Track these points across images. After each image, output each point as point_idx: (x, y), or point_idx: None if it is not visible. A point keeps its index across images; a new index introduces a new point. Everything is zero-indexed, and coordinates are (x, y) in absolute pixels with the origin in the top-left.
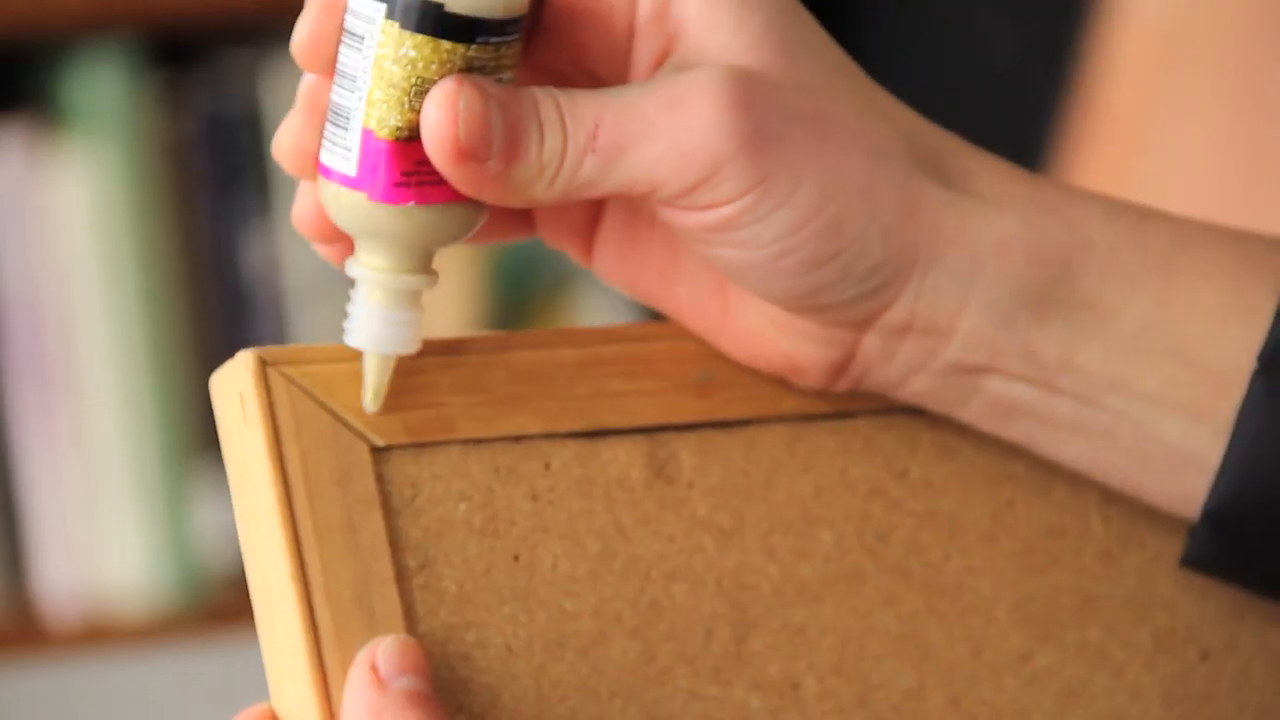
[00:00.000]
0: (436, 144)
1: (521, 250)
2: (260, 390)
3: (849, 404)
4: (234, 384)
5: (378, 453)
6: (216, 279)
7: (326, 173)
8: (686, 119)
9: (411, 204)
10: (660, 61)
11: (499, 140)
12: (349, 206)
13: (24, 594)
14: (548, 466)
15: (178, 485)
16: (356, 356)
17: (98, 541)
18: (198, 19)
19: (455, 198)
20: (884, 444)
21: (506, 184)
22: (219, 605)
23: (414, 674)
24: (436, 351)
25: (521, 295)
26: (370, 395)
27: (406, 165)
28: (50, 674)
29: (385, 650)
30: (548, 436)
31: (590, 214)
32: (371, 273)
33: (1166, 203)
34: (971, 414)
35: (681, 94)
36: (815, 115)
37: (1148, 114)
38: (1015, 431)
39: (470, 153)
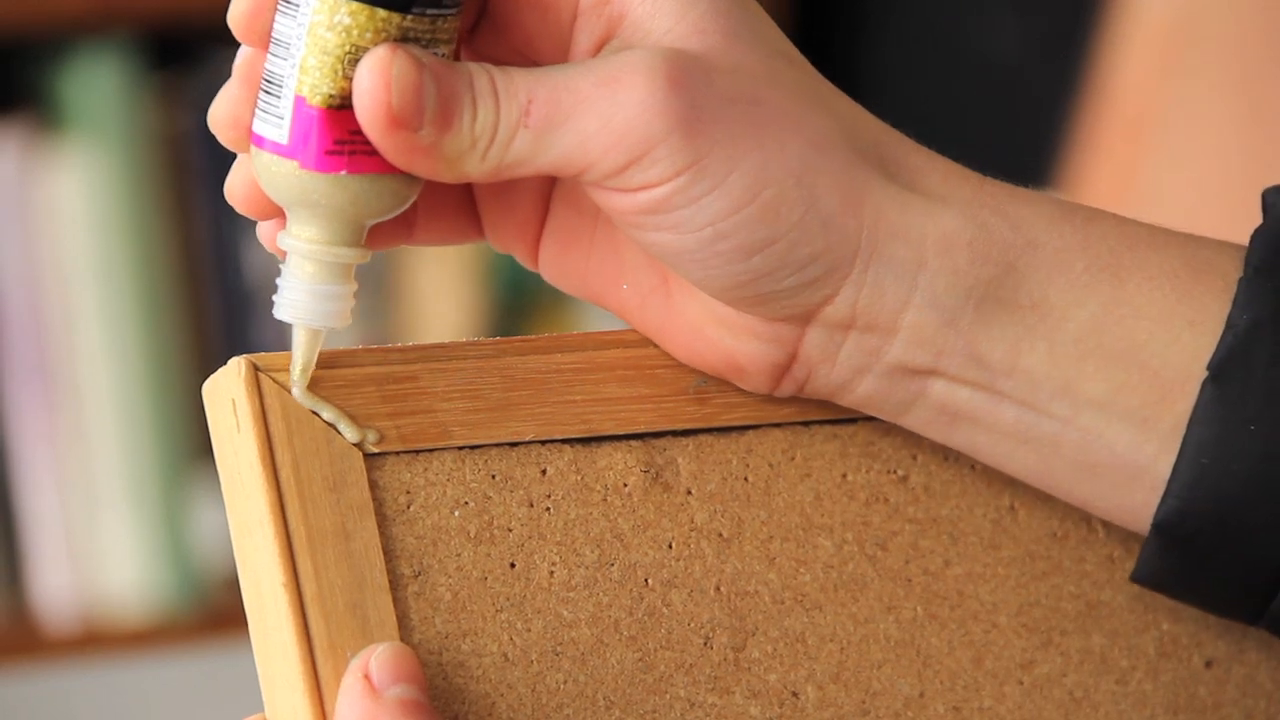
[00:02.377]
0: (368, 110)
1: None
2: (252, 396)
3: (848, 410)
4: (226, 390)
5: (371, 459)
6: (216, 281)
7: (259, 141)
8: (620, 97)
9: (343, 172)
10: (600, 46)
11: (431, 109)
12: (280, 175)
13: (22, 599)
14: (544, 473)
15: (176, 490)
16: (350, 362)
17: (95, 546)
18: (195, 18)
19: (387, 169)
20: (883, 449)
21: (438, 155)
22: (216, 610)
23: (408, 682)
24: (430, 357)
25: (520, 299)
26: (298, 371)
27: (339, 134)
28: (48, 679)
29: (379, 658)
30: (544, 443)
31: (535, 215)
32: (302, 244)
33: (1173, 201)
34: (917, 420)
35: (617, 72)
36: (754, 100)
37: (1155, 112)
38: (960, 439)
39: (402, 120)
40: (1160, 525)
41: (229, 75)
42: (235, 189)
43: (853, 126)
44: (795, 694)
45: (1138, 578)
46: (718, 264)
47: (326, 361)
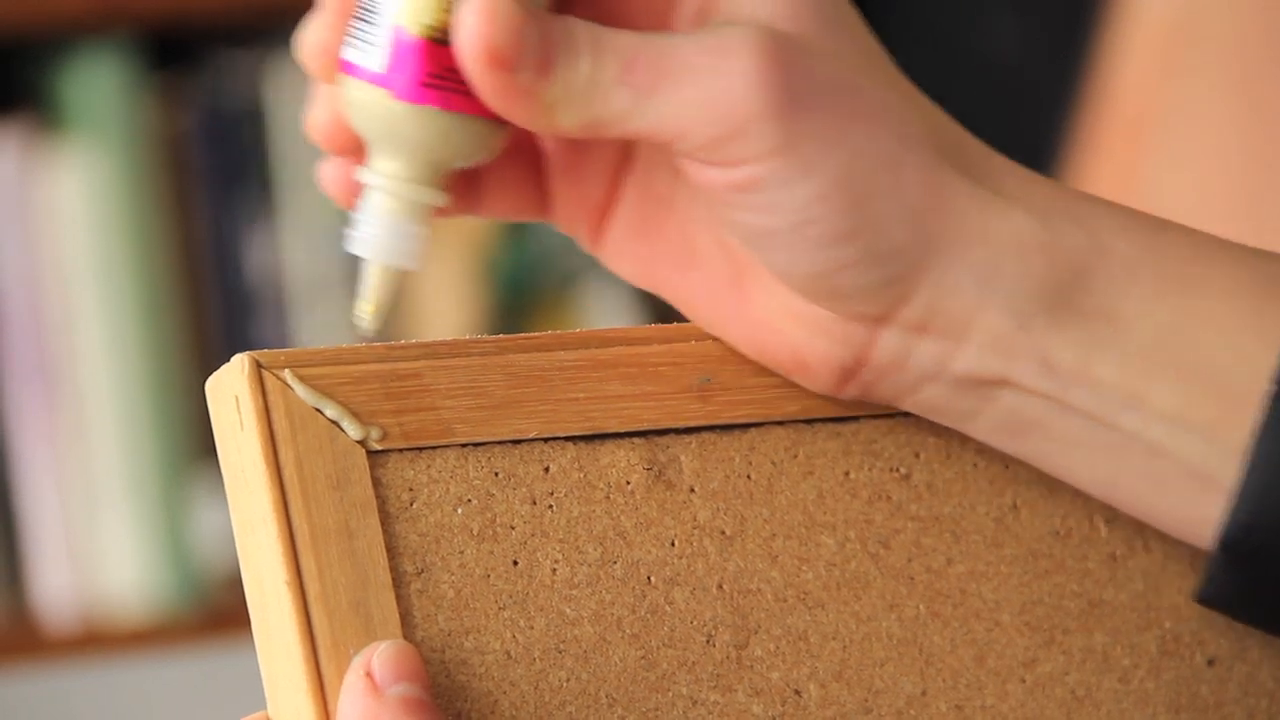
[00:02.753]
0: (469, 46)
1: (523, 252)
2: (255, 394)
3: (851, 407)
4: (229, 388)
5: (374, 456)
6: (217, 280)
7: (349, 68)
8: (724, 67)
9: (435, 107)
10: (700, 18)
11: (533, 52)
12: (369, 104)
13: (22, 598)
14: (547, 470)
15: (176, 489)
16: (354, 359)
17: (96, 546)
18: (196, 18)
19: (479, 111)
20: (886, 448)
21: (534, 100)
22: (217, 610)
23: (410, 680)
24: (433, 354)
25: (522, 297)
26: (371, 308)
27: (434, 67)
28: (49, 679)
29: (381, 656)
30: (546, 440)
31: (606, 195)
32: (384, 179)
33: (1174, 201)
34: (981, 429)
35: (722, 43)
36: (848, 88)
37: (1155, 112)
38: (1026, 449)
39: (502, 59)
40: (1226, 539)
41: (230, 74)
42: (317, 121)
43: (936, 125)
44: (798, 692)
45: (1203, 598)
46: (803, 249)
47: (329, 358)
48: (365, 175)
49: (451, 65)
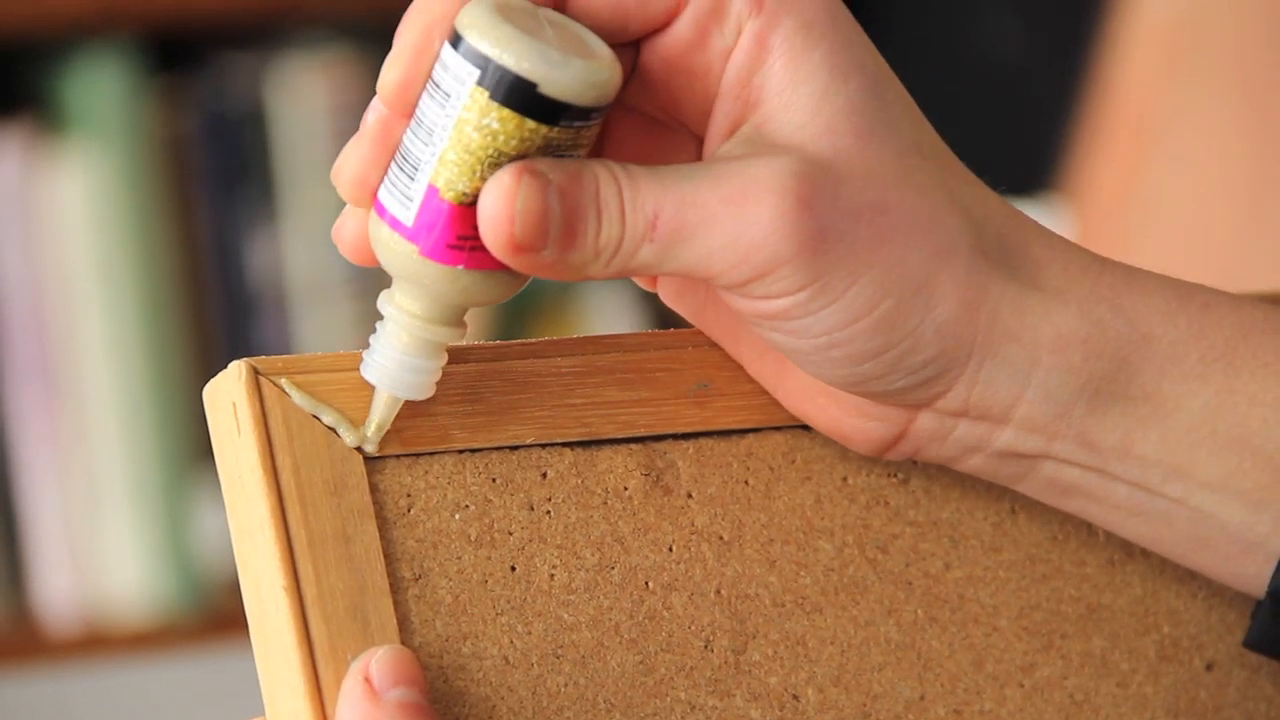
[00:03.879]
0: (492, 237)
1: None
2: (253, 400)
3: None
4: (227, 394)
5: (372, 463)
6: (219, 283)
7: (382, 212)
8: (749, 215)
9: (460, 267)
10: (735, 127)
11: (555, 232)
12: (397, 253)
13: (24, 601)
14: (544, 476)
15: (177, 492)
16: (351, 365)
17: (97, 548)
18: (198, 20)
19: (504, 267)
20: None
21: (561, 266)
22: (218, 612)
23: (408, 685)
24: None
25: (522, 302)
26: (373, 429)
27: (464, 229)
28: (50, 681)
29: (379, 661)
30: (544, 446)
31: None
32: (404, 316)
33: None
34: (1028, 489)
35: (746, 189)
36: (880, 209)
37: (1157, 115)
38: (1072, 506)
39: (525, 246)
40: (1276, 593)
41: (232, 77)
42: (346, 238)
43: (979, 221)
44: (796, 697)
45: (1250, 643)
46: (830, 366)
47: (327, 365)
48: (386, 307)
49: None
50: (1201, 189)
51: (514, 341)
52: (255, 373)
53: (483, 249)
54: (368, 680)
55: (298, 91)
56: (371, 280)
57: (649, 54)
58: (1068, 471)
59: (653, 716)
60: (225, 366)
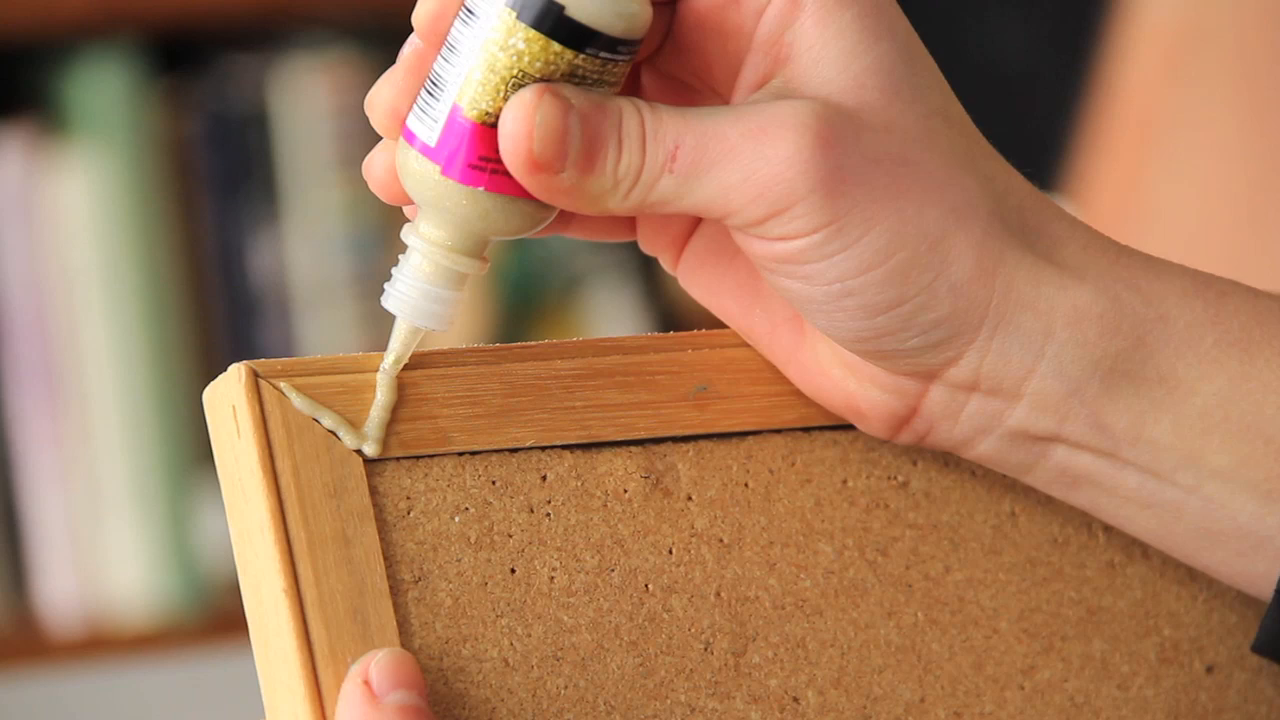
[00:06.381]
0: (510, 152)
1: (528, 255)
2: (252, 403)
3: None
4: (227, 397)
5: (371, 465)
6: (221, 285)
7: (409, 136)
8: (767, 150)
9: (481, 189)
10: (764, 81)
11: (575, 153)
12: (421, 175)
13: (27, 603)
14: (544, 479)
15: (180, 494)
16: (351, 368)
17: (100, 550)
18: (201, 22)
19: (525, 194)
20: (884, 455)
21: (579, 193)
22: (220, 614)
23: (408, 688)
24: (430, 364)
25: (527, 302)
26: (390, 360)
27: (485, 150)
28: (52, 683)
29: (379, 664)
30: (544, 449)
31: (686, 224)
32: (426, 244)
33: (1178, 206)
34: (1038, 480)
35: (766, 124)
36: (901, 161)
37: (1160, 118)
38: (1082, 500)
39: (543, 164)
40: None
41: (235, 79)
42: (375, 170)
43: (1000, 191)
44: (796, 699)
45: (1258, 648)
46: (843, 318)
47: (326, 368)
48: (409, 237)
49: None
50: (1203, 191)
51: (514, 344)
52: (255, 375)
53: (504, 173)
54: (367, 683)
55: (300, 93)
56: (374, 282)
57: (684, 12)
58: (1079, 458)
59: (653, 719)
60: (227, 368)
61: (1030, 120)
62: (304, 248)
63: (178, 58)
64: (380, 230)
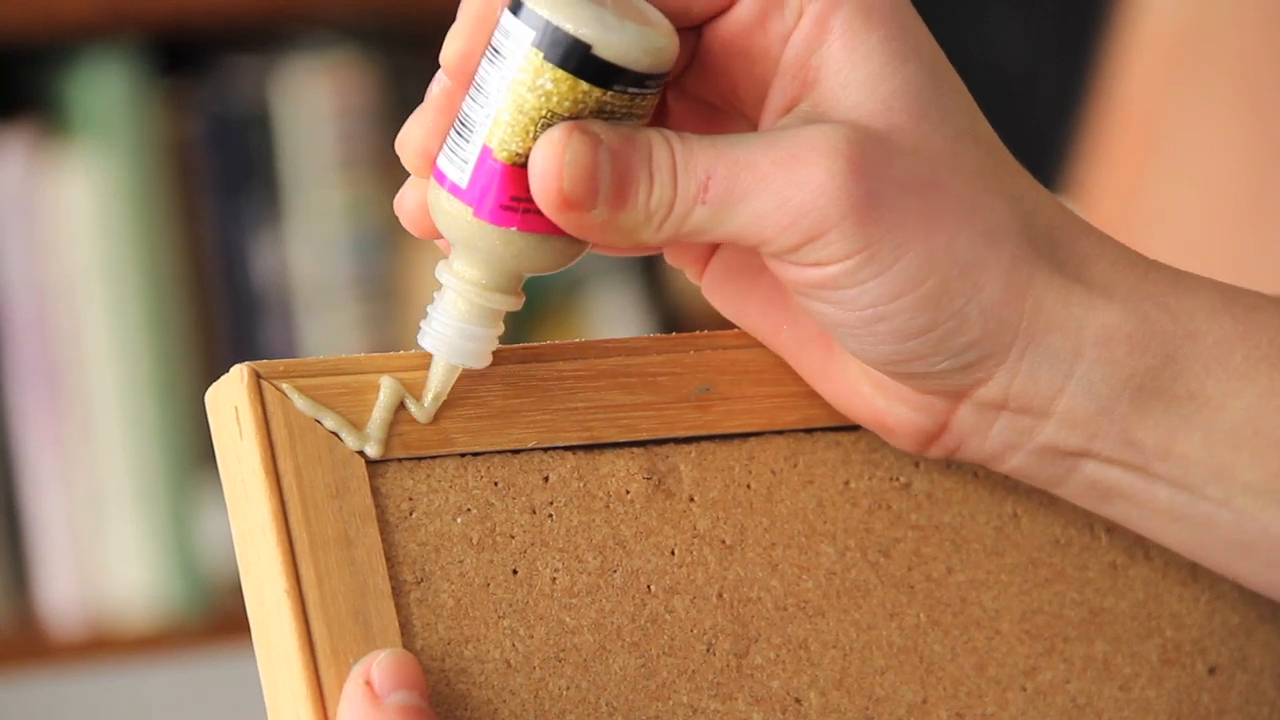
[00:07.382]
0: (541, 192)
1: None
2: (254, 404)
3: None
4: (229, 398)
5: (374, 466)
6: (224, 286)
7: (440, 177)
8: (799, 178)
9: (514, 229)
10: (792, 105)
11: (605, 190)
12: (453, 216)
13: (28, 604)
14: (546, 480)
15: (182, 495)
16: (353, 369)
17: (102, 551)
18: (203, 23)
19: (558, 231)
20: (886, 457)
21: (613, 228)
22: (222, 615)
23: (410, 689)
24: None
25: (530, 302)
26: (429, 398)
27: (517, 190)
28: (54, 684)
29: (381, 665)
30: (546, 450)
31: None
32: (461, 284)
33: (1179, 208)
34: (1069, 492)
35: (798, 151)
36: (931, 185)
37: (1161, 120)
38: (1113, 512)
39: (574, 202)
40: None
41: (236, 80)
42: (407, 207)
43: (1028, 210)
44: (798, 700)
45: None
46: (874, 342)
47: (328, 369)
48: (443, 275)
49: None
50: (1205, 194)
51: (516, 346)
52: (257, 377)
53: (536, 212)
54: (369, 684)
55: (302, 94)
56: (376, 284)
57: (710, 37)
58: (1109, 472)
59: (655, 719)
60: (229, 370)
61: (1031, 122)
62: (306, 249)
63: (180, 59)
64: (382, 232)
